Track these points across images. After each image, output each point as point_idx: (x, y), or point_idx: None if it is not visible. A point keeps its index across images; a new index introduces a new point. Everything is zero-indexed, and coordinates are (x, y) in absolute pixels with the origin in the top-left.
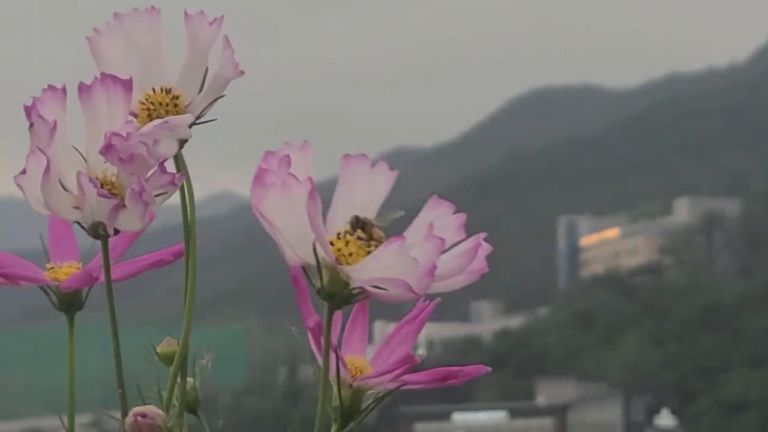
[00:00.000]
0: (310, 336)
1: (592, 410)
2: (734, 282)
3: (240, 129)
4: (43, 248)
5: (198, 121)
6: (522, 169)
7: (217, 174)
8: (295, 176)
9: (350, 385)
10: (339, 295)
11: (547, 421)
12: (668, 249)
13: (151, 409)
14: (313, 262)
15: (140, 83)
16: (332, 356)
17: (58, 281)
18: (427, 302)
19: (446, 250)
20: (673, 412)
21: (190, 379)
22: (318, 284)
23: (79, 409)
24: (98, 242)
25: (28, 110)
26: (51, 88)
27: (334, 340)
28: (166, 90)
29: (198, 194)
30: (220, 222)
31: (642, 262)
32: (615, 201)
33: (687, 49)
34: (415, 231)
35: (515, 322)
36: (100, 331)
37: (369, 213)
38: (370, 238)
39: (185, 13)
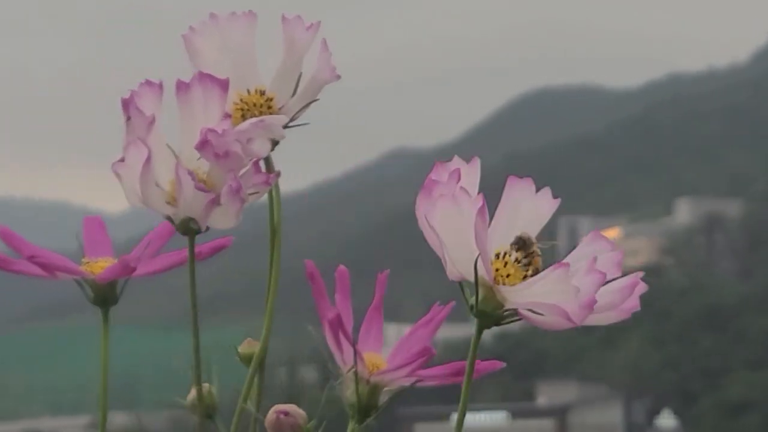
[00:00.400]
0: (328, 329)
1: (593, 411)
2: (735, 283)
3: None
4: (79, 246)
5: (291, 124)
6: (522, 169)
7: None
8: (466, 190)
9: (367, 381)
10: (491, 315)
11: (548, 423)
12: (669, 250)
13: (293, 408)
14: (471, 278)
15: (234, 84)
16: (350, 351)
17: (94, 274)
18: (442, 306)
19: (603, 285)
20: (674, 413)
21: (206, 384)
22: (472, 301)
23: (80, 411)
24: (132, 242)
25: (126, 103)
26: (148, 82)
27: (425, 343)
28: (260, 91)
29: None
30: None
31: (643, 263)
32: (615, 202)
33: (687, 49)
34: (576, 261)
35: (515, 323)
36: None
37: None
38: (528, 260)
39: (283, 17)
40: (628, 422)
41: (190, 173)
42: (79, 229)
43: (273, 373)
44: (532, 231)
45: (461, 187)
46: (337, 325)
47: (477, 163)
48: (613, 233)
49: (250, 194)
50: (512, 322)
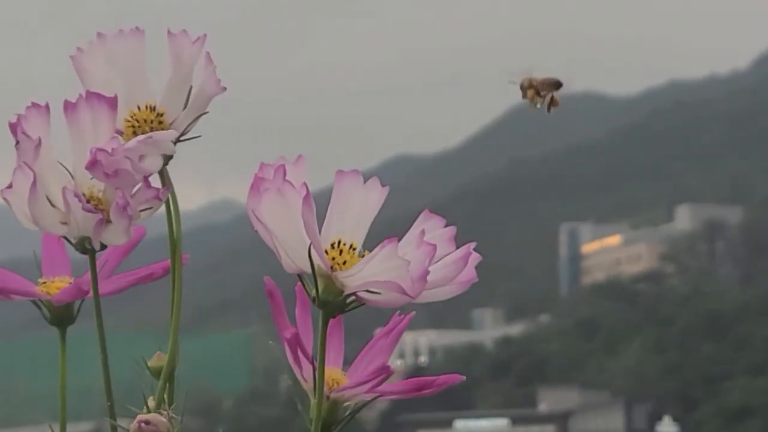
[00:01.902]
0: (286, 347)
1: (594, 418)
2: (736, 289)
3: (242, 137)
4: (36, 263)
5: (182, 138)
6: (523, 176)
7: (219, 182)
8: (290, 182)
9: (327, 397)
10: (333, 303)
11: (549, 429)
12: (670, 256)
13: (155, 416)
14: (308, 269)
15: (125, 101)
16: (309, 368)
17: (50, 295)
18: (403, 316)
19: (437, 261)
20: (675, 419)
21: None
22: (313, 292)
23: (80, 418)
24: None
25: (13, 127)
26: (35, 105)
27: (383, 359)
28: (150, 107)
29: (200, 202)
30: (222, 229)
31: (644, 270)
32: (617, 208)
33: (688, 56)
34: (408, 241)
35: (517, 329)
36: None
37: (361, 228)
38: (546, 99)
39: (168, 32)
40: (629, 428)
41: (77, 195)
42: (38, 239)
43: (277, 379)
44: (364, 221)
45: (287, 181)
46: (296, 343)
47: (302, 161)
48: (614, 240)
49: (143, 210)
50: (356, 307)
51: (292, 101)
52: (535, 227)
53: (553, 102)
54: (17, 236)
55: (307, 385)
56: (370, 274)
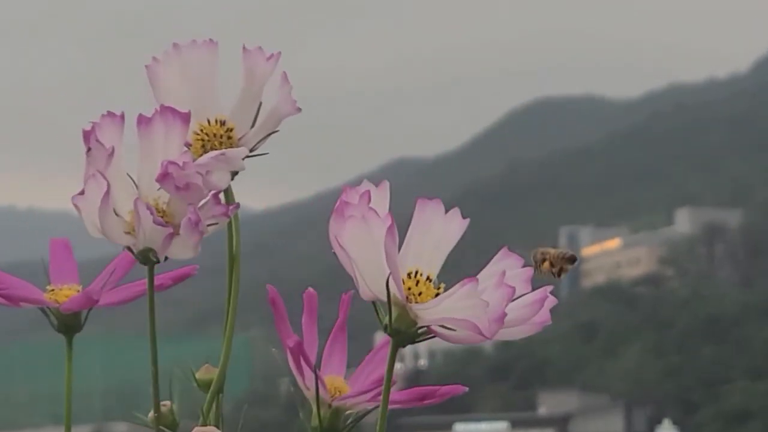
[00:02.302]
0: (289, 355)
1: (594, 421)
2: (736, 293)
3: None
4: (44, 271)
5: (251, 154)
6: (523, 179)
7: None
8: (375, 211)
9: (329, 405)
10: (405, 333)
11: None
12: (669, 259)
13: (211, 429)
14: (383, 297)
15: (194, 113)
16: (312, 376)
17: (58, 303)
18: None
19: (513, 300)
20: (675, 423)
21: (167, 402)
22: (386, 320)
23: (80, 420)
24: (99, 264)
25: (87, 135)
26: (110, 114)
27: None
28: (220, 122)
29: None
30: (222, 233)
31: (643, 273)
32: (616, 211)
33: (688, 59)
34: (486, 278)
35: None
36: (100, 344)
37: (438, 259)
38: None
39: (243, 48)
40: (629, 431)
41: (149, 207)
42: (45, 252)
43: (277, 383)
44: (443, 251)
45: (371, 208)
46: (298, 351)
47: (386, 186)
48: (613, 243)
49: (209, 225)
50: (426, 339)
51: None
52: (535, 230)
53: (563, 271)
54: (22, 240)
55: (310, 393)
56: (446, 310)
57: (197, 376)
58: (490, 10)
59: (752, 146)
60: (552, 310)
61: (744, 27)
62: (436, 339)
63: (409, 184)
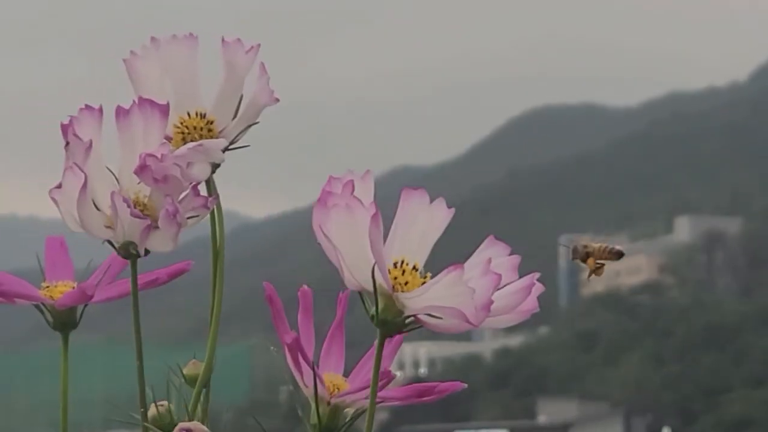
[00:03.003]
0: (287, 352)
1: (594, 429)
2: (735, 301)
3: (242, 148)
4: (39, 268)
5: (231, 147)
6: (523, 187)
7: (220, 193)
8: (359, 200)
9: (328, 402)
10: (392, 323)
11: None
12: (669, 268)
13: (196, 425)
14: (369, 287)
15: (175, 107)
16: (310, 373)
17: (53, 299)
18: None
19: (500, 288)
20: (675, 431)
21: (164, 402)
22: (372, 310)
23: (81, 428)
24: (93, 262)
25: (65, 128)
26: (88, 108)
27: (384, 366)
28: (200, 115)
29: None
30: (228, 242)
31: (643, 281)
32: (616, 219)
33: (688, 67)
34: (473, 266)
35: (516, 340)
36: (99, 351)
37: (424, 248)
38: (595, 266)
39: (222, 40)
40: None
41: (125, 200)
42: (40, 250)
43: (278, 390)
44: (429, 240)
45: (355, 197)
46: (296, 348)
47: (370, 175)
48: None
49: (190, 218)
50: (415, 329)
51: (293, 112)
52: (535, 238)
53: (598, 271)
54: (22, 248)
55: (308, 391)
56: (433, 298)
57: (184, 371)
58: (489, 18)
59: (752, 154)
60: (551, 318)
61: (743, 36)
62: (436, 347)
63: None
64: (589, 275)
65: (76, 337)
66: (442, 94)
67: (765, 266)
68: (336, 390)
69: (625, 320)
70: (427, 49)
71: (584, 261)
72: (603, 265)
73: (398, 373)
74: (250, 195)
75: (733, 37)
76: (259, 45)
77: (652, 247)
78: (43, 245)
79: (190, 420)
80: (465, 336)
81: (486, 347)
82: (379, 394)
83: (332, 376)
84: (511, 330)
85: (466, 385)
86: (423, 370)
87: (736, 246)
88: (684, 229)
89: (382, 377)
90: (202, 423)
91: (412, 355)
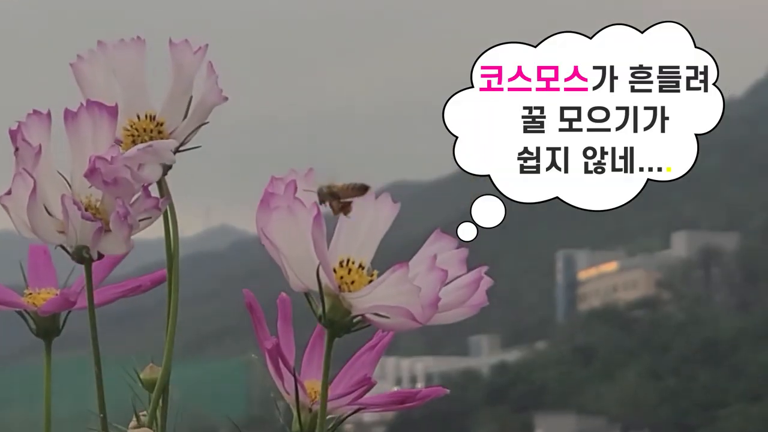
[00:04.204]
0: (267, 359)
1: None
2: (733, 317)
3: (238, 164)
4: (23, 275)
5: (182, 148)
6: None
7: (216, 209)
8: (301, 201)
9: (309, 409)
10: (340, 323)
11: None
12: (666, 283)
13: (145, 431)
14: (315, 288)
15: (124, 110)
16: (291, 379)
17: (36, 306)
18: (386, 333)
19: (448, 283)
20: None
21: (145, 412)
22: (319, 311)
23: None
24: (77, 271)
25: (13, 134)
26: (36, 113)
27: (366, 372)
28: (150, 117)
29: (197, 228)
30: (219, 256)
31: (640, 296)
32: (613, 235)
33: None
34: (419, 262)
35: (513, 356)
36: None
37: (370, 245)
38: (341, 205)
39: (170, 42)
40: None
41: (76, 202)
42: (24, 258)
43: (274, 406)
44: (374, 237)
45: (296, 198)
46: (276, 353)
47: (313, 175)
48: (610, 266)
49: (142, 219)
50: (362, 328)
51: (290, 127)
52: (532, 254)
53: (346, 208)
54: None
55: (289, 398)
56: (379, 298)
57: (141, 376)
58: (493, 33)
59: (748, 171)
60: (549, 333)
61: (739, 52)
62: (433, 362)
63: (407, 208)
64: (335, 213)
65: (66, 353)
66: (439, 110)
67: (762, 282)
68: (317, 396)
69: (623, 335)
70: (425, 64)
71: (330, 202)
72: (350, 203)
73: (395, 389)
74: (246, 210)
75: (729, 53)
76: (206, 45)
77: (650, 263)
78: (10, 264)
79: (149, 424)
80: (462, 351)
81: (483, 362)
82: (362, 400)
83: (314, 383)
84: (508, 345)
85: (448, 391)
86: (420, 386)
87: (733, 262)
88: (681, 245)
89: (362, 384)
90: (162, 428)
91: (410, 370)
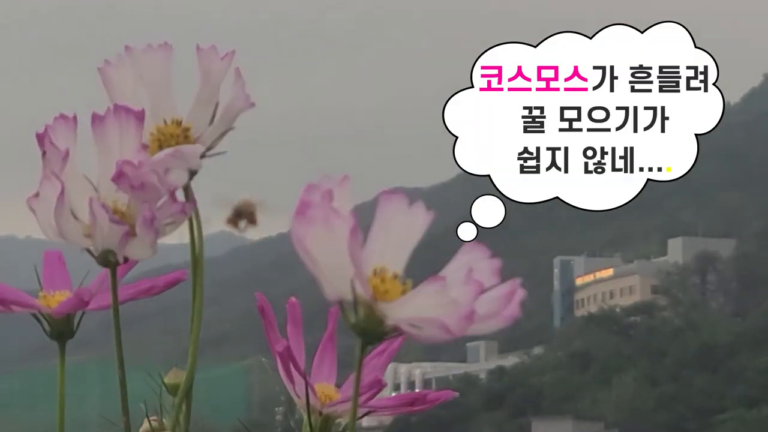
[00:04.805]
0: (278, 362)
1: None
2: (729, 322)
3: (236, 172)
4: (37, 278)
5: (208, 153)
6: (517, 209)
7: (215, 215)
8: (337, 211)
9: (320, 412)
10: (373, 332)
11: None
12: (663, 289)
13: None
14: (349, 297)
15: (151, 115)
16: (302, 383)
17: (50, 308)
18: (395, 338)
19: (481, 293)
20: None
21: (156, 418)
22: (353, 320)
23: None
24: (90, 276)
25: (41, 138)
26: (63, 116)
27: (376, 375)
28: (176, 122)
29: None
30: (218, 262)
31: (636, 302)
32: (609, 241)
33: None
34: (453, 273)
35: (511, 361)
36: (95, 369)
37: (403, 253)
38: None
39: (197, 48)
40: None
41: (104, 206)
42: (39, 263)
43: (274, 411)
44: (408, 245)
45: (333, 208)
46: (287, 357)
47: (347, 181)
48: (607, 272)
49: (168, 224)
50: (395, 336)
51: (287, 134)
52: (529, 260)
53: (251, 220)
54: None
55: (300, 402)
56: (414, 309)
57: (165, 380)
58: (489, 34)
59: (745, 177)
60: (546, 339)
61: (735, 59)
62: (431, 367)
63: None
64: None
65: (73, 358)
66: (437, 115)
67: (758, 288)
68: (327, 400)
69: (619, 341)
70: (423, 72)
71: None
72: (252, 215)
73: (394, 395)
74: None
75: (725, 60)
76: (233, 51)
77: (646, 269)
78: (40, 267)
79: (160, 429)
80: (460, 356)
81: (481, 368)
82: (370, 403)
83: (324, 387)
84: (505, 351)
85: (457, 394)
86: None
87: (729, 268)
88: (678, 251)
89: (373, 386)
90: None
91: (407, 376)
